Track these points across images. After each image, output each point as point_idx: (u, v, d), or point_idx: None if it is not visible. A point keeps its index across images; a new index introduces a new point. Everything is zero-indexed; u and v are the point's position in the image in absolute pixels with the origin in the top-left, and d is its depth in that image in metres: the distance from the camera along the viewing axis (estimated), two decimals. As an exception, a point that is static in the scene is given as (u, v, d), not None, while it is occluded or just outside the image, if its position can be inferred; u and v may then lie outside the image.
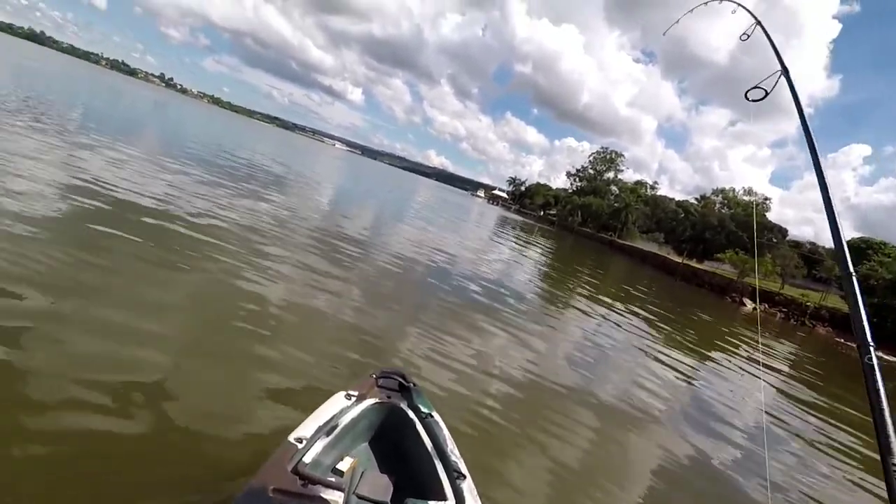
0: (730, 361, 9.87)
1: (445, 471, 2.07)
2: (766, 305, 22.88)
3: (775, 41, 2.24)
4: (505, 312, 7.84)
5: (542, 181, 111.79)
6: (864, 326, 1.22)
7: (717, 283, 26.19)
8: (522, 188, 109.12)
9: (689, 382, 7.41)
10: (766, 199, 62.05)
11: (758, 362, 10.36)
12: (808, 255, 48.10)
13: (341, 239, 9.59)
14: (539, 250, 23.81)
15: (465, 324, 6.49)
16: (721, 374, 8.64)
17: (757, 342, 13.29)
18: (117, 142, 12.14)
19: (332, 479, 1.81)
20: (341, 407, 2.29)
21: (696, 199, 69.67)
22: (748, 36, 2.58)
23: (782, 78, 1.98)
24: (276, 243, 7.39)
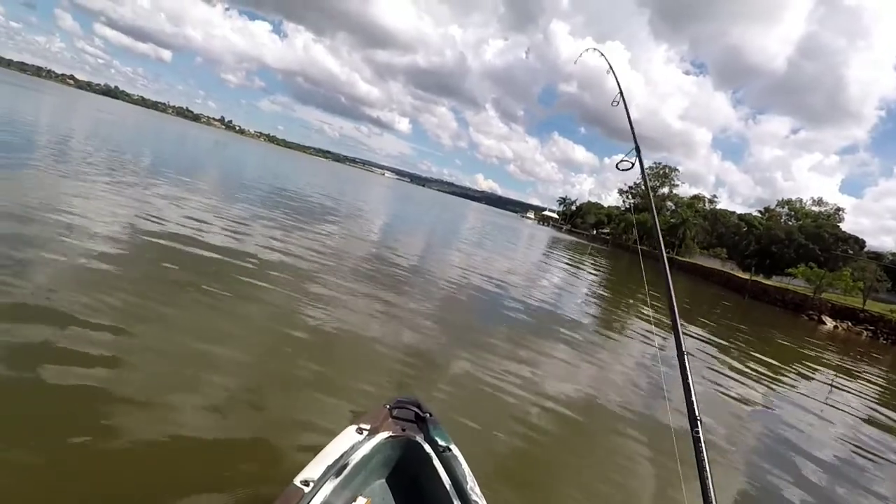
0: (809, 385, 9.40)
1: None
2: (849, 323, 21.47)
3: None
4: (552, 339, 7.55)
5: (593, 199, 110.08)
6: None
7: (791, 300, 24.85)
8: (573, 208, 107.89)
9: (753, 409, 6.71)
10: (839, 209, 58.36)
11: (846, 385, 9.86)
12: (891, 267, 44.55)
13: (390, 265, 9.87)
14: (592, 270, 23.39)
15: (508, 351, 6.22)
16: (801, 403, 8.00)
17: (840, 364, 12.60)
18: (181, 181, 13.46)
19: None
20: (353, 442, 2.14)
21: (760, 211, 66.56)
22: (618, 103, 2.96)
23: (637, 156, 2.65)
24: (329, 272, 7.76)
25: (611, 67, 3.31)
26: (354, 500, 2.03)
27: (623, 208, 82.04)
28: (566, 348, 7.27)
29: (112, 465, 2.49)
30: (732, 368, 8.85)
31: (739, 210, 74.45)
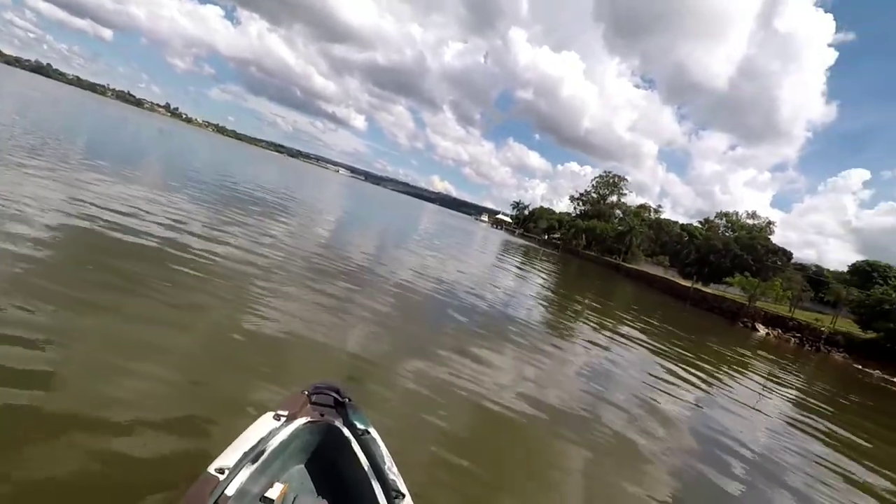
0: (742, 387, 9.78)
1: (384, 491, 2.00)
2: (779, 331, 22.70)
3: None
4: (499, 339, 7.67)
5: (546, 205, 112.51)
6: None
7: (728, 308, 26.06)
8: (526, 212, 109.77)
9: (693, 413, 7.09)
10: (770, 222, 62.36)
11: (772, 390, 10.26)
12: (814, 278, 47.96)
13: (339, 262, 9.69)
14: (543, 274, 23.76)
15: (451, 347, 6.40)
16: (734, 400, 8.53)
17: (771, 370, 13.19)
18: (121, 170, 12.55)
19: None
20: (270, 429, 2.14)
21: (700, 222, 70.00)
22: None
23: None
24: (276, 267, 7.57)
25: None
26: (271, 486, 2.01)
27: (574, 214, 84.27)
28: (510, 348, 7.42)
29: (28, 449, 2.47)
30: (672, 372, 9.18)
31: (682, 220, 78.08)
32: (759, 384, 10.84)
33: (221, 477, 1.75)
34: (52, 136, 15.10)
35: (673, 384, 8.26)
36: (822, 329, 21.81)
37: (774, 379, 12.05)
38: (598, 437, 4.97)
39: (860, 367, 19.04)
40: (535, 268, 26.35)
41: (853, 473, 6.30)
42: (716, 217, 66.71)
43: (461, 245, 28.54)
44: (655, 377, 8.36)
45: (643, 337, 12.42)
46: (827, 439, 7.65)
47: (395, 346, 5.85)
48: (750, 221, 62.77)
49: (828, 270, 52.27)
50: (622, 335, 11.82)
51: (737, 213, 64.61)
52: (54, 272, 4.66)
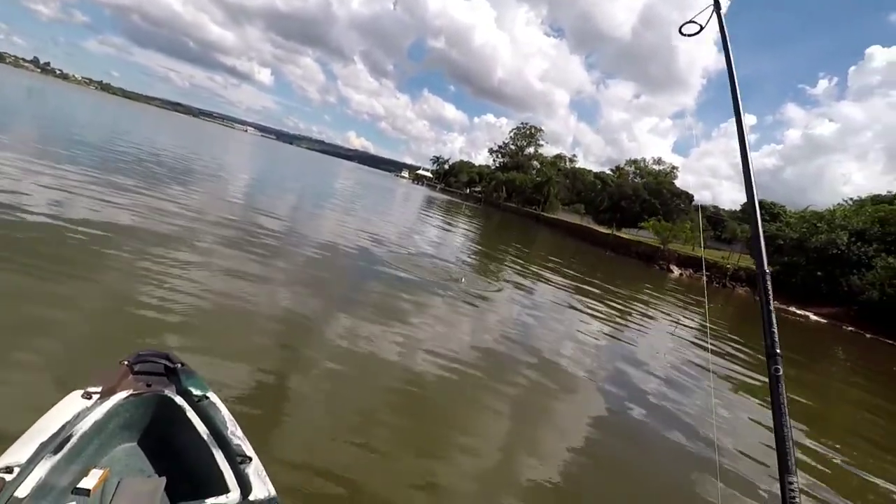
0: (656, 323, 10.31)
1: (227, 458, 1.84)
2: (691, 271, 24.07)
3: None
4: (424, 293, 7.56)
5: (465, 158, 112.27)
6: (773, 335, 1.23)
7: (644, 252, 27.24)
8: (446, 167, 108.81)
9: (610, 344, 7.67)
10: (674, 167, 66.54)
11: (679, 322, 10.72)
12: (713, 217, 52.19)
13: (254, 231, 8.98)
14: (464, 228, 23.76)
15: (375, 305, 6.29)
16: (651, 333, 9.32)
17: (684, 304, 13.72)
18: None
19: None
20: (78, 410, 1.86)
21: (612, 170, 73.18)
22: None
23: (714, 14, 1.79)
24: (181, 239, 6.87)
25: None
26: (86, 475, 1.79)
27: (493, 167, 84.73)
28: (436, 301, 7.34)
29: None
30: (595, 311, 9.83)
31: (594, 169, 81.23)
32: (672, 317, 11.58)
33: (9, 477, 1.50)
34: None
35: (595, 322, 8.84)
36: (728, 267, 23.44)
37: (683, 312, 12.78)
38: (521, 382, 5.01)
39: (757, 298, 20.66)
40: (458, 223, 26.13)
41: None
42: (626, 164, 70.00)
43: (382, 203, 27.54)
44: (581, 321, 8.63)
45: (567, 282, 12.59)
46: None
47: (315, 308, 5.66)
48: (656, 167, 66.57)
49: (723, 210, 57.11)
50: (546, 281, 11.98)
51: (644, 160, 68.19)
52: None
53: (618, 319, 9.65)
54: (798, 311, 19.34)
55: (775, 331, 1.24)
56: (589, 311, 9.66)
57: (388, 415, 3.63)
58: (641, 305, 12.42)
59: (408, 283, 7.89)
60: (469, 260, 13.34)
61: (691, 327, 11.14)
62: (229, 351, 3.88)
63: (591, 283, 13.83)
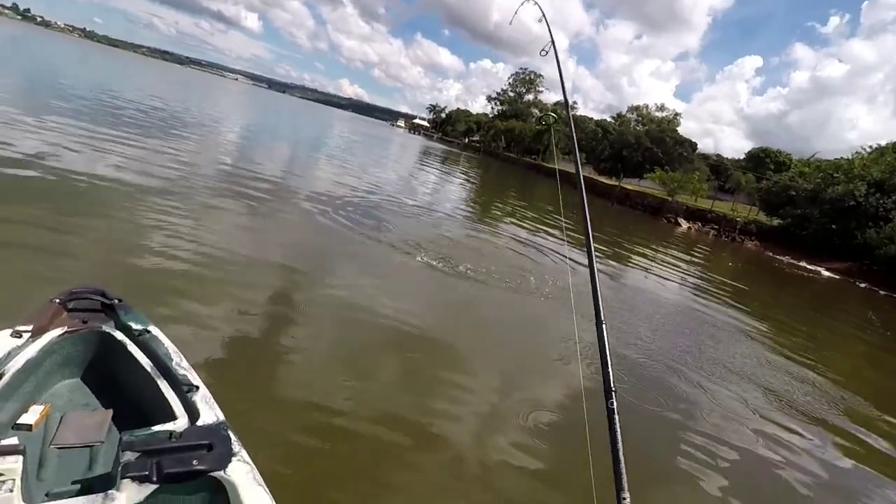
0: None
1: (173, 387, 1.83)
2: (699, 224, 23.41)
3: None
4: (423, 244, 7.49)
5: (461, 106, 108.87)
6: (609, 373, 1.37)
7: (650, 204, 26.46)
8: (443, 115, 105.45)
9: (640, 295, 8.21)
10: (677, 113, 64.32)
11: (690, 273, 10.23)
12: (715, 166, 50.98)
13: (248, 182, 8.86)
14: (461, 180, 23.33)
15: (374, 257, 6.45)
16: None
17: (693, 259, 13.20)
18: None
19: (8, 442, 1.36)
20: (8, 349, 1.79)
21: (613, 117, 70.86)
22: (546, 52, 2.74)
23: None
24: (176, 190, 6.82)
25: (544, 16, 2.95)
26: (26, 411, 1.75)
27: (492, 115, 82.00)
28: (434, 252, 7.23)
29: None
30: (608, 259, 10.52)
31: (594, 116, 78.71)
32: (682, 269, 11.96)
33: None
34: None
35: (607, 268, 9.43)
36: (737, 220, 22.75)
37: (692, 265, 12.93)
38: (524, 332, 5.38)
39: (771, 253, 20.12)
40: (455, 174, 25.65)
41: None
42: (627, 111, 67.59)
43: (378, 153, 26.72)
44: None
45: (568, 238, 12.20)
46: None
47: (310, 259, 5.76)
48: (658, 114, 64.33)
49: (726, 158, 55.78)
50: (553, 237, 11.70)
51: (647, 107, 65.79)
52: None
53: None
54: (809, 267, 18.89)
55: (610, 371, 1.38)
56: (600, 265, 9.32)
57: (371, 354, 3.83)
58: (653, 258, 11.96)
59: (404, 234, 7.86)
60: (466, 215, 13.02)
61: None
62: (216, 296, 3.94)
63: (599, 238, 13.26)
